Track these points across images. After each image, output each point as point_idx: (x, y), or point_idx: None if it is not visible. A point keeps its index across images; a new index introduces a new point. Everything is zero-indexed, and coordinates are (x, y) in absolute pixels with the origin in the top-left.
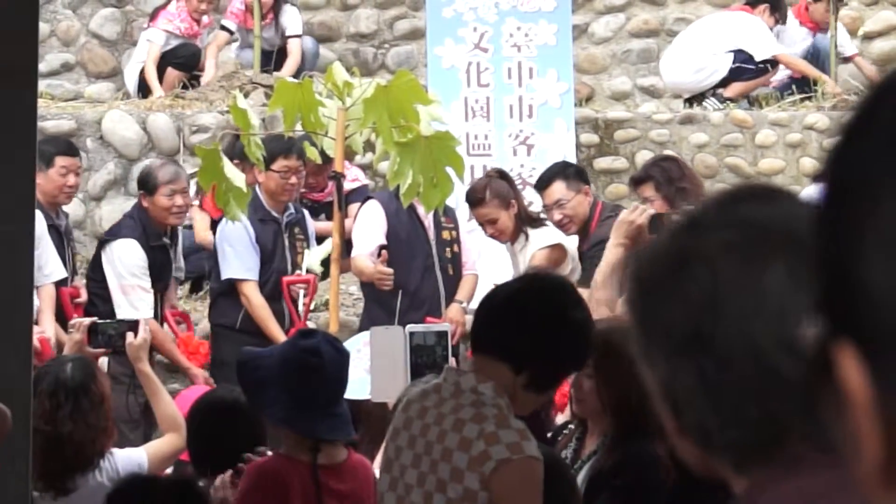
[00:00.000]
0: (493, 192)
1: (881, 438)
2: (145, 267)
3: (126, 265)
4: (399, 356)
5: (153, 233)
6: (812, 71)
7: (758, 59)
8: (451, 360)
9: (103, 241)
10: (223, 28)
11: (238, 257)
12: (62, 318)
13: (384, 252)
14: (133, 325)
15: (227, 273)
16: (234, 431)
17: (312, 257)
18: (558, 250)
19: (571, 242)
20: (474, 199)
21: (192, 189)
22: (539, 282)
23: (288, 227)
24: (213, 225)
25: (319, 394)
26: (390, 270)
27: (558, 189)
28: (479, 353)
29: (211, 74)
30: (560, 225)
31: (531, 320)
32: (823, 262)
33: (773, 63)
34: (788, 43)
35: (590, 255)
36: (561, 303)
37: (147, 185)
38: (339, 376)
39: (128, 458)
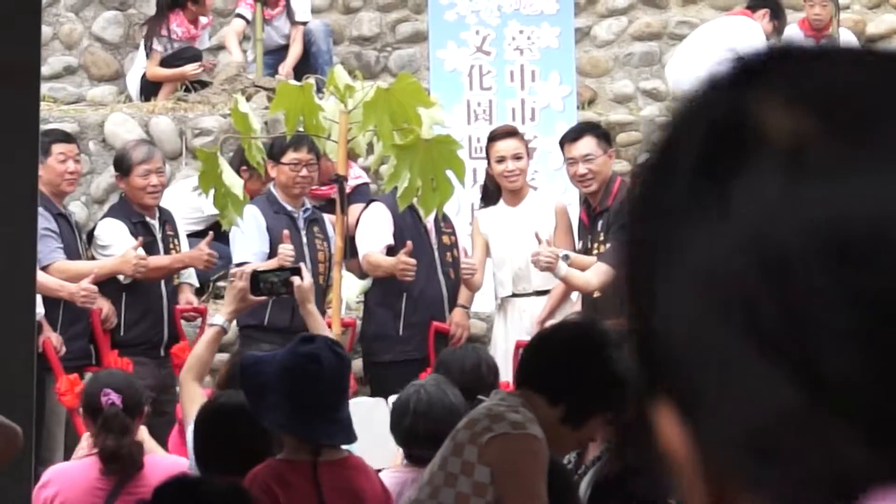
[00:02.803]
0: (521, 134)
1: (706, 494)
2: (124, 238)
3: (105, 241)
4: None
5: (133, 212)
6: None
7: None
8: None
9: (92, 229)
10: (238, 16)
11: (245, 241)
12: (94, 341)
13: (409, 243)
14: (296, 271)
15: (235, 258)
16: (238, 435)
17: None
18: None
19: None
20: (507, 130)
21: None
22: (577, 324)
23: (307, 224)
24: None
25: (320, 400)
26: (413, 261)
27: (588, 144)
28: (521, 387)
29: (236, 56)
30: (582, 179)
31: (565, 354)
32: (629, 311)
33: None
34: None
35: (600, 220)
36: (593, 342)
37: (122, 166)
38: (340, 382)
39: None
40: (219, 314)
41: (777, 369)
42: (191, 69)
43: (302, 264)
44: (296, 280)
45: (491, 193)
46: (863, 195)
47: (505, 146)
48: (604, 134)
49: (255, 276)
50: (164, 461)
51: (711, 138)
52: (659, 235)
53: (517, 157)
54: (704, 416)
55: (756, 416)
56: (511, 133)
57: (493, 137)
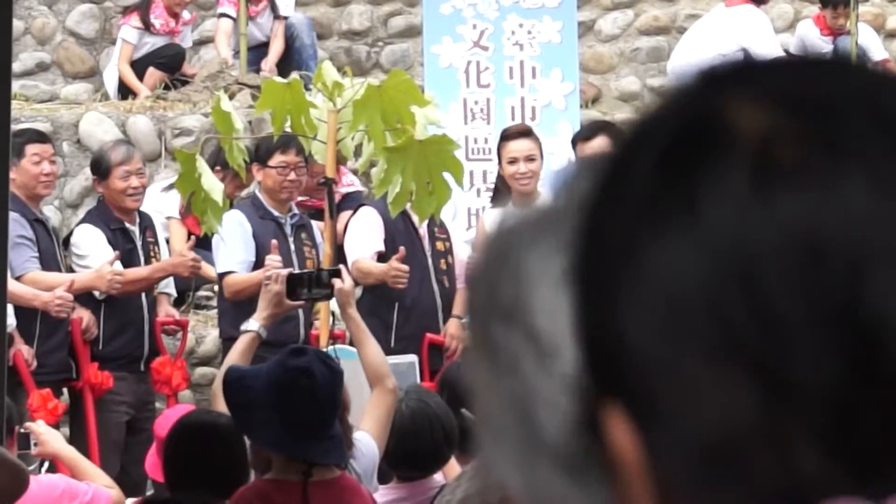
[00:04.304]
0: (535, 135)
1: (653, 502)
2: (102, 247)
3: (83, 250)
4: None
5: (112, 218)
6: None
7: None
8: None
9: (66, 237)
10: (223, 15)
11: (229, 249)
12: (73, 352)
13: (402, 249)
14: (336, 272)
15: (219, 267)
16: (211, 455)
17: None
18: None
19: None
20: (521, 129)
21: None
22: None
23: (294, 230)
24: (198, 241)
25: (312, 416)
26: (406, 267)
27: (603, 144)
28: None
29: (225, 54)
30: None
31: None
32: (582, 314)
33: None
34: (811, 51)
35: None
36: None
37: (100, 168)
38: (333, 397)
39: (360, 449)
40: (253, 319)
41: (742, 381)
42: (149, 89)
43: (342, 265)
44: (336, 282)
45: (502, 194)
46: (837, 204)
47: (518, 147)
48: (619, 133)
49: (292, 279)
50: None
51: (677, 135)
52: (617, 238)
53: (530, 159)
54: (660, 424)
55: (716, 428)
56: (525, 133)
57: (506, 137)
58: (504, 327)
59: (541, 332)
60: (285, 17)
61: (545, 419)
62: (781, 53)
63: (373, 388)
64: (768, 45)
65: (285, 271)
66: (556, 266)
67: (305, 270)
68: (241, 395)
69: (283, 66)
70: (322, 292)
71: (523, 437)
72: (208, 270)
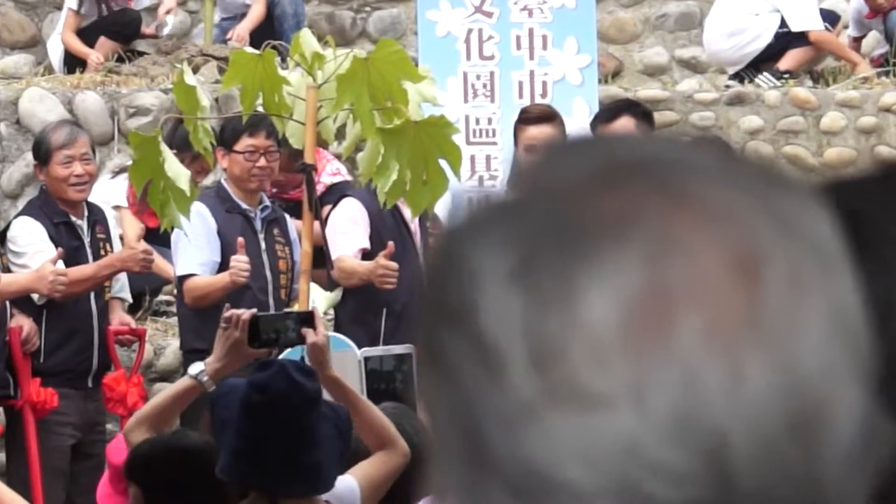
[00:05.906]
0: (561, 119)
1: None
2: (42, 243)
3: (20, 246)
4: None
5: (56, 210)
6: (849, 54)
7: (793, 29)
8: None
9: (2, 231)
10: None
11: (191, 248)
12: (11, 366)
13: (390, 244)
14: (307, 317)
15: (179, 268)
16: (169, 479)
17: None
18: None
19: None
20: (543, 112)
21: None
22: None
23: (265, 225)
24: (150, 236)
25: (270, 439)
26: (395, 265)
27: (626, 125)
28: None
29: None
30: None
31: None
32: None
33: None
34: (860, 28)
35: None
36: None
37: (40, 152)
38: (299, 417)
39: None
40: (201, 363)
41: None
42: (95, 58)
43: (315, 308)
44: (308, 334)
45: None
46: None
47: (538, 133)
48: (644, 113)
49: (255, 323)
50: None
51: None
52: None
53: None
54: None
55: None
56: (547, 118)
57: (525, 119)
58: (449, 332)
59: (487, 336)
60: None
61: (494, 436)
62: (818, 18)
63: (372, 452)
64: (802, 18)
65: (247, 314)
66: (507, 262)
67: (272, 313)
68: (220, 414)
69: (262, 38)
70: (288, 340)
71: (470, 455)
72: (164, 267)
